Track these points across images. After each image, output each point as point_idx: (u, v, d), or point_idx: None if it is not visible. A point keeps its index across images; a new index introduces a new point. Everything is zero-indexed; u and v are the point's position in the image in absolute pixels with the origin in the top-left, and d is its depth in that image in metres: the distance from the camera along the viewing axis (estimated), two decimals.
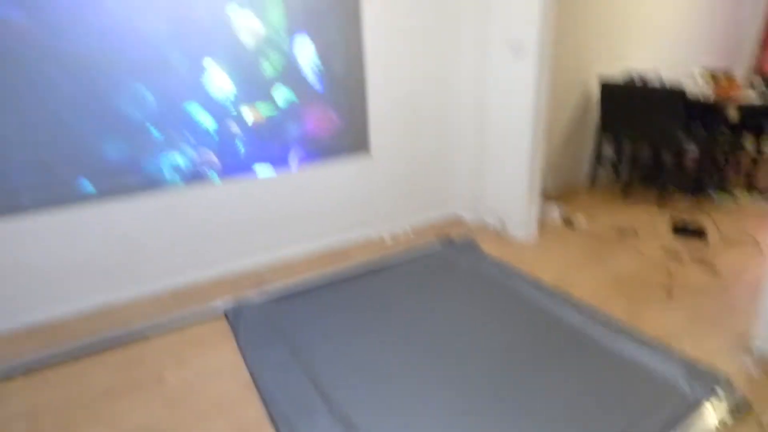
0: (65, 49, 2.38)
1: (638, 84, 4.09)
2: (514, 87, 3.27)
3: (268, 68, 2.89)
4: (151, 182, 2.78)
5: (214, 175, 2.94)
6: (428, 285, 2.94)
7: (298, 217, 3.34)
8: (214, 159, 2.91)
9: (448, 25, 3.47)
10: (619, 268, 3.06)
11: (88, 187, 2.63)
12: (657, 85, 3.96)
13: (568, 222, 3.80)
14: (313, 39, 2.96)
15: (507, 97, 3.34)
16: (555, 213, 3.87)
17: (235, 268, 3.19)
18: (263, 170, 3.08)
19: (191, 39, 2.64)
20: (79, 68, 2.44)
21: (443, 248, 3.43)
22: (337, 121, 3.23)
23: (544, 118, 3.27)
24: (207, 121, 2.82)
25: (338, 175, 3.39)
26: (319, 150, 3.24)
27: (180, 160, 2.82)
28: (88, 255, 2.73)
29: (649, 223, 3.75)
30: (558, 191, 4.49)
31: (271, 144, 3.05)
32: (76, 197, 2.61)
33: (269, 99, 2.95)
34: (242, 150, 2.97)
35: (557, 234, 3.62)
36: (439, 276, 3.05)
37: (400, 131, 3.55)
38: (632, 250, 3.30)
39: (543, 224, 3.71)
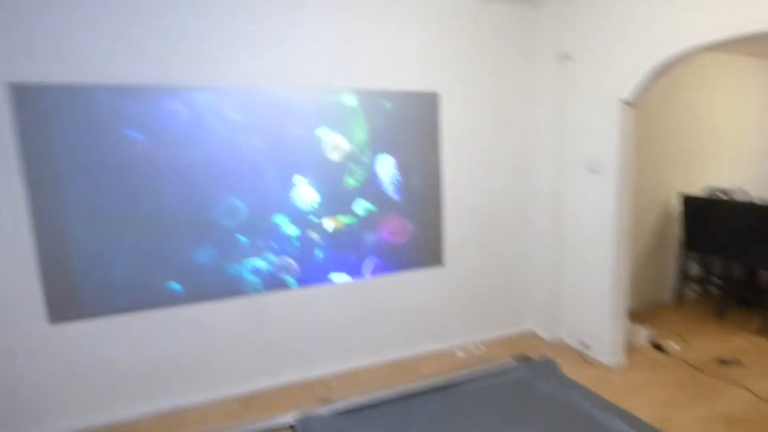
0: (175, 165, 2.68)
1: (724, 199, 3.91)
2: (593, 203, 3.23)
3: (350, 181, 3.07)
4: (233, 285, 2.89)
5: (292, 282, 3.03)
6: (503, 408, 2.70)
7: (369, 327, 3.31)
8: (294, 265, 3.02)
9: (526, 142, 3.60)
10: (729, 408, 2.69)
11: (177, 288, 2.77)
12: (746, 200, 3.76)
13: (657, 346, 3.47)
14: (394, 154, 3.15)
15: (586, 212, 3.30)
16: (642, 335, 3.56)
17: (304, 377, 3.15)
18: (339, 278, 3.13)
19: (284, 157, 2.89)
20: (183, 182, 2.71)
21: (519, 367, 3.19)
22: (413, 230, 3.30)
23: (626, 235, 3.16)
24: (290, 230, 2.97)
25: (411, 284, 3.39)
26: (394, 258, 3.28)
27: (262, 265, 2.94)
28: (168, 355, 2.82)
29: (754, 352, 3.34)
30: (641, 310, 4.17)
31: (348, 251, 3.14)
32: (165, 299, 2.76)
33: (350, 209, 3.09)
34: (320, 257, 3.07)
35: (647, 360, 3.29)
36: (515, 398, 2.80)
37: (475, 243, 3.55)
38: (740, 385, 2.91)
39: (629, 347, 3.41)
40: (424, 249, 3.37)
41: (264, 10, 2.75)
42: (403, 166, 3.20)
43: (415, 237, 3.32)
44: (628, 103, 2.96)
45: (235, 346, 2.96)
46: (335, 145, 2.99)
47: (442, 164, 3.33)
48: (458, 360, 3.39)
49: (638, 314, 4.03)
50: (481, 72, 3.36)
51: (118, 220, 2.62)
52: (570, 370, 3.17)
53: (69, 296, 2.57)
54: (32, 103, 2.39)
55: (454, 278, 3.51)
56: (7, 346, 2.50)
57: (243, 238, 2.88)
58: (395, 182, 3.19)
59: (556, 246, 3.55)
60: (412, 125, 3.19)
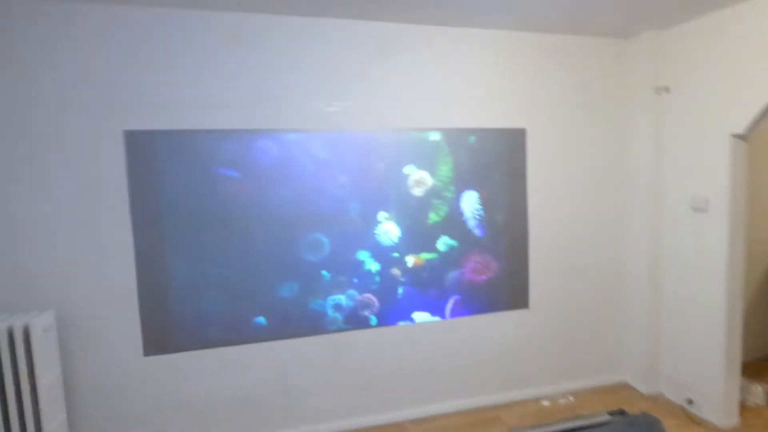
0: (264, 201, 2.75)
1: None
2: (699, 244, 2.96)
3: (433, 217, 3.00)
4: (316, 321, 2.87)
5: (373, 319, 2.97)
6: None
7: (449, 370, 3.17)
8: (375, 302, 2.96)
9: (618, 179, 3.41)
10: None
11: (262, 322, 2.79)
12: None
13: None
14: (478, 189, 3.07)
15: (691, 254, 3.02)
16: (758, 393, 3.16)
17: (380, 421, 3.05)
18: (420, 316, 3.04)
19: (368, 193, 2.89)
20: (271, 217, 2.77)
21: (616, 423, 2.91)
22: (496, 268, 3.16)
23: (739, 280, 2.85)
24: (373, 266, 2.93)
25: (494, 326, 3.24)
26: (476, 297, 3.15)
27: (344, 301, 2.91)
28: (250, 390, 2.83)
29: None
30: (755, 364, 3.72)
31: (429, 288, 3.06)
32: (250, 333, 2.78)
33: (432, 245, 3.02)
34: (401, 294, 2.99)
35: (764, 421, 2.90)
36: None
37: (562, 284, 3.36)
38: None
39: (743, 406, 3.02)
40: (507, 289, 3.21)
41: (347, 56, 2.82)
42: (487, 202, 3.10)
43: (498, 275, 3.18)
44: (741, 137, 2.71)
45: (314, 385, 2.93)
46: (419, 180, 2.96)
47: (528, 201, 3.20)
48: (544, 410, 3.15)
49: (751, 368, 3.59)
50: (570, 107, 3.24)
51: (210, 255, 2.70)
52: (674, 429, 2.85)
53: (162, 330, 2.67)
54: (139, 146, 2.55)
55: (540, 321, 3.31)
56: (109, 375, 2.61)
57: (326, 274, 2.87)
58: (479, 218, 3.09)
59: (653, 290, 3.27)
60: (498, 160, 3.11)
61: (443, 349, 3.14)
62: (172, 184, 2.60)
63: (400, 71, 2.90)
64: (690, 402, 3.06)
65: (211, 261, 2.70)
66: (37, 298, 2.45)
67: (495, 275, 3.18)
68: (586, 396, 3.32)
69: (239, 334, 2.78)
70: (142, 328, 2.63)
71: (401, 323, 3.03)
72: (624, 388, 3.44)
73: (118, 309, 2.59)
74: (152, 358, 2.67)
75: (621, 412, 3.02)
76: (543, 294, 3.29)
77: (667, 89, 3.09)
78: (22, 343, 2.19)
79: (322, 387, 2.94)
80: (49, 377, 2.31)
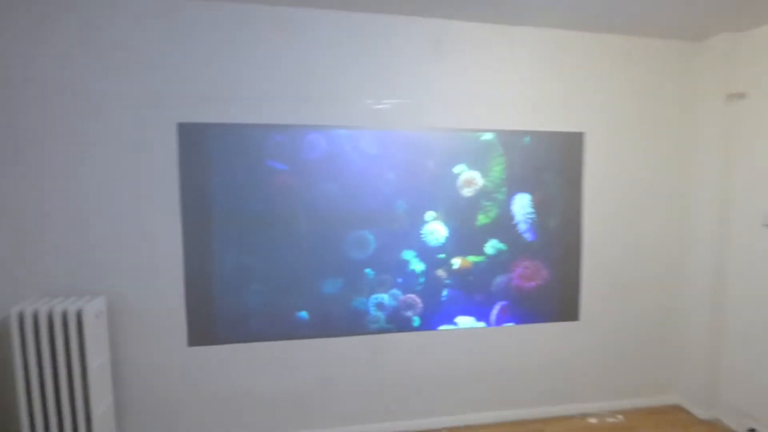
0: (311, 195, 2.74)
1: None
2: None
3: (482, 219, 2.91)
4: (358, 319, 2.82)
5: (416, 320, 2.89)
6: None
7: (492, 379, 3.07)
8: (419, 303, 2.89)
9: (680, 187, 3.22)
10: None
11: (304, 316, 2.76)
12: None
13: None
14: (531, 192, 2.95)
15: (763, 273, 2.79)
16: None
17: (417, 426, 2.98)
18: (464, 321, 2.94)
19: (417, 191, 2.83)
20: (318, 213, 2.75)
21: None
22: (546, 275, 3.03)
23: None
24: (417, 267, 2.86)
25: (541, 337, 3.11)
26: (524, 304, 3.03)
27: (386, 299, 2.84)
28: (289, 386, 2.82)
29: None
30: None
31: (474, 293, 2.96)
32: (292, 327, 2.76)
33: (479, 248, 2.93)
34: (445, 295, 2.91)
35: None
36: None
37: (615, 297, 3.19)
38: None
39: None
40: (557, 297, 3.07)
41: (400, 53, 2.77)
42: (540, 205, 2.98)
43: (548, 282, 3.04)
44: None
45: (354, 385, 2.89)
46: (469, 180, 2.87)
47: (583, 208, 3.06)
48: (591, 427, 2.99)
49: None
50: (633, 112, 3.08)
51: (256, 248, 2.70)
52: None
53: (207, 321, 2.68)
54: (191, 138, 2.59)
55: (591, 335, 3.16)
56: (154, 363, 2.65)
57: (370, 272, 2.82)
58: (530, 222, 2.97)
59: (716, 310, 3.05)
60: (553, 163, 2.98)
61: (486, 357, 3.03)
62: (222, 176, 2.62)
63: (454, 70, 2.83)
64: None
65: (257, 254, 2.70)
66: (90, 284, 2.51)
67: (545, 282, 3.04)
68: (636, 416, 3.14)
69: (281, 327, 2.76)
70: (187, 319, 2.66)
71: (444, 326, 2.94)
72: (677, 410, 3.23)
73: (165, 298, 2.62)
74: (196, 349, 2.68)
75: None
76: (594, 306, 3.14)
77: (741, 96, 2.88)
78: (75, 327, 2.24)
79: (361, 388, 2.90)
80: (98, 362, 2.35)
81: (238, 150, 2.63)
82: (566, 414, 3.14)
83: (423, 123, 2.83)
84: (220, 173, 2.62)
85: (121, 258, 2.55)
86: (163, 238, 2.59)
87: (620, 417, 3.12)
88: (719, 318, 3.06)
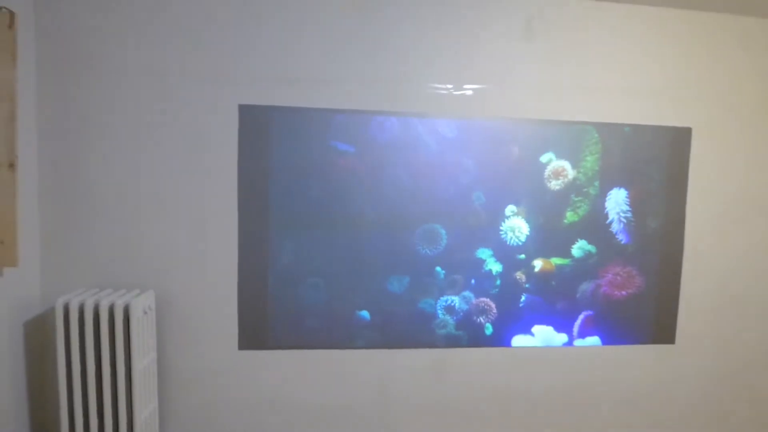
0: (378, 183, 2.47)
1: None
2: None
3: (570, 216, 2.53)
4: (424, 322, 2.51)
5: (488, 327, 2.55)
6: None
7: (569, 404, 2.71)
8: (493, 308, 2.55)
9: None
10: None
11: (365, 317, 2.47)
12: None
13: None
14: (628, 188, 2.55)
15: None
16: None
17: None
18: (541, 330, 2.59)
19: (497, 183, 2.52)
20: (386, 202, 2.48)
21: None
22: (640, 283, 2.63)
23: None
24: (494, 268, 2.52)
25: (629, 360, 2.72)
26: (612, 315, 2.66)
27: (457, 302, 2.52)
28: (341, 400, 2.55)
29: None
30: None
31: (557, 299, 2.60)
32: (352, 327, 2.49)
33: (566, 249, 2.56)
34: (523, 301, 2.56)
35: None
36: None
37: (719, 317, 2.77)
38: None
39: None
40: (651, 309, 2.68)
41: (483, 33, 2.47)
42: (637, 203, 2.58)
43: (642, 292, 2.67)
44: None
45: (414, 401, 2.59)
46: (557, 171, 2.51)
47: (687, 210, 2.66)
48: None
49: None
50: (747, 105, 2.67)
51: (316, 239, 2.46)
52: None
53: (260, 322, 2.46)
54: (253, 121, 2.36)
55: (687, 360, 2.75)
56: (201, 366, 2.43)
57: (441, 271, 2.50)
58: (625, 221, 2.58)
59: None
60: (655, 157, 2.57)
61: (564, 381, 2.68)
62: (282, 159, 2.39)
63: (545, 53, 2.50)
64: None
65: (317, 245, 2.45)
66: (139, 276, 2.31)
67: (638, 291, 2.66)
68: None
69: (340, 327, 2.50)
70: (239, 319, 2.43)
71: (519, 336, 2.60)
72: None
73: (216, 295, 2.40)
74: (247, 353, 2.46)
75: None
76: (694, 327, 2.73)
77: None
78: (122, 323, 2.03)
79: (422, 405, 2.60)
80: (144, 362, 2.14)
81: (300, 129, 2.38)
82: None
83: (507, 112, 2.51)
84: (280, 155, 2.38)
85: (172, 249, 2.34)
86: (217, 230, 2.38)
87: None
88: None
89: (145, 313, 2.13)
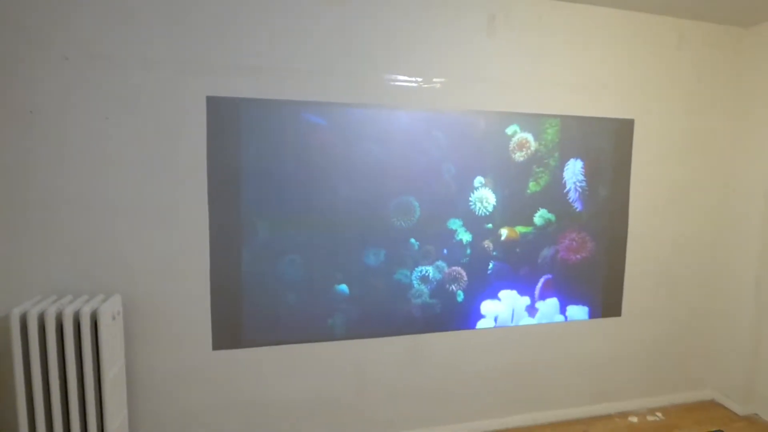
0: (351, 156, 2.49)
1: None
2: None
3: (533, 186, 2.69)
4: (401, 291, 2.56)
5: (460, 294, 2.66)
6: None
7: (533, 378, 2.92)
8: (463, 276, 2.66)
9: (732, 179, 3.12)
10: None
11: (345, 291, 2.48)
12: None
13: None
14: (584, 157, 2.75)
15: None
16: None
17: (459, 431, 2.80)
18: (506, 295, 2.75)
19: (467, 155, 2.62)
20: (359, 175, 2.51)
21: None
22: (592, 247, 2.89)
23: None
24: (464, 237, 2.62)
25: (584, 333, 2.97)
26: (568, 278, 2.91)
27: (431, 272, 2.60)
28: (318, 394, 2.57)
29: None
30: None
31: (521, 265, 2.78)
32: (332, 303, 2.47)
33: (529, 218, 2.75)
34: (491, 268, 2.71)
35: None
36: None
37: (657, 289, 3.10)
38: None
39: None
40: (601, 272, 2.93)
41: (448, 27, 2.54)
42: (591, 172, 2.78)
43: (593, 255, 2.88)
44: None
45: (388, 387, 2.67)
46: (521, 143, 2.65)
47: (630, 198, 2.96)
48: (633, 427, 2.91)
49: None
50: (682, 98, 2.97)
51: (292, 218, 2.43)
52: None
53: (235, 318, 2.40)
54: (221, 113, 2.28)
55: (632, 329, 3.07)
56: (179, 371, 2.33)
57: (415, 242, 2.56)
58: (580, 190, 2.77)
59: (760, 301, 3.00)
60: (602, 145, 2.85)
61: (526, 356, 2.89)
62: (253, 134, 2.32)
63: (505, 49, 2.62)
64: None
65: (293, 225, 2.43)
66: (102, 280, 2.17)
67: (590, 255, 2.88)
68: (674, 413, 3.09)
69: (320, 301, 2.50)
70: (212, 318, 2.35)
71: (487, 302, 2.75)
72: (713, 406, 3.19)
73: (188, 295, 2.30)
74: (222, 353, 2.40)
75: None
76: (636, 298, 3.05)
77: None
78: (89, 331, 1.90)
79: (396, 390, 2.68)
80: (114, 370, 2.02)
81: (271, 116, 2.29)
82: (607, 413, 3.05)
83: (468, 105, 2.61)
84: (251, 131, 2.29)
85: (137, 250, 2.21)
86: (186, 225, 2.27)
87: (659, 415, 3.05)
88: (762, 312, 3.00)
89: (114, 318, 2.00)
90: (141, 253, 2.20)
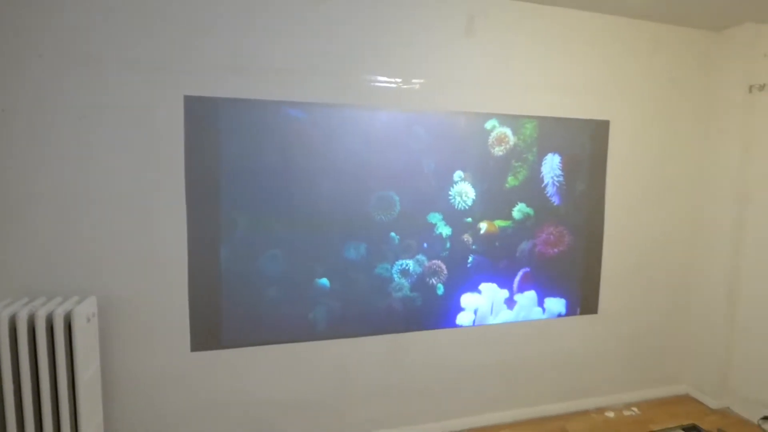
0: (332, 149, 2.50)
1: None
2: None
3: (511, 181, 2.73)
4: (381, 285, 2.58)
5: (440, 287, 2.69)
6: None
7: (512, 375, 2.96)
8: (443, 270, 2.69)
9: (702, 180, 3.22)
10: None
11: (325, 285, 2.49)
12: None
13: None
14: (561, 153, 2.80)
15: None
16: None
17: (437, 429, 2.82)
18: (486, 288, 2.79)
19: (446, 149, 2.65)
20: (340, 169, 2.52)
21: None
22: (569, 241, 2.94)
23: None
24: (444, 231, 2.65)
25: (561, 330, 3.03)
26: (545, 271, 2.97)
27: (411, 266, 2.62)
28: (299, 395, 2.56)
29: None
30: None
31: (500, 259, 2.82)
32: (313, 297, 2.47)
33: (508, 212, 2.80)
34: (471, 262, 2.75)
35: None
36: None
37: (632, 287, 3.17)
38: None
39: None
40: (579, 265, 2.98)
41: (427, 28, 2.55)
42: (568, 166, 2.83)
43: (571, 249, 2.94)
44: None
45: (369, 387, 2.68)
46: (500, 137, 2.67)
47: (606, 197, 3.02)
48: (609, 422, 2.97)
49: None
50: (656, 100, 3.04)
51: (272, 212, 2.43)
52: None
53: (213, 322, 2.39)
54: (199, 112, 2.26)
55: (607, 325, 3.13)
56: (156, 373, 2.30)
57: (395, 236, 2.57)
58: (558, 184, 2.82)
59: (730, 301, 3.09)
60: (580, 143, 2.90)
61: (505, 354, 2.93)
62: (232, 125, 2.30)
63: (484, 51, 2.65)
64: (765, 421, 2.88)
65: (273, 220, 2.43)
66: (75, 281, 2.13)
67: (567, 249, 2.93)
68: (649, 407, 3.16)
69: (301, 296, 2.49)
70: (191, 319, 2.33)
71: (467, 295, 2.78)
72: (687, 400, 3.28)
73: (166, 295, 2.28)
74: (200, 354, 2.38)
75: (695, 428, 2.84)
76: (612, 297, 3.11)
77: (762, 87, 2.86)
78: (63, 334, 1.86)
79: (377, 389, 2.69)
80: (89, 373, 1.99)
81: (252, 103, 2.29)
82: (584, 409, 3.11)
83: (447, 105, 2.64)
84: (231, 129, 2.28)
85: (113, 249, 2.17)
86: (164, 225, 2.24)
87: (635, 410, 3.12)
88: (733, 308, 3.09)
89: (89, 320, 1.97)
90: (117, 254, 2.17)
